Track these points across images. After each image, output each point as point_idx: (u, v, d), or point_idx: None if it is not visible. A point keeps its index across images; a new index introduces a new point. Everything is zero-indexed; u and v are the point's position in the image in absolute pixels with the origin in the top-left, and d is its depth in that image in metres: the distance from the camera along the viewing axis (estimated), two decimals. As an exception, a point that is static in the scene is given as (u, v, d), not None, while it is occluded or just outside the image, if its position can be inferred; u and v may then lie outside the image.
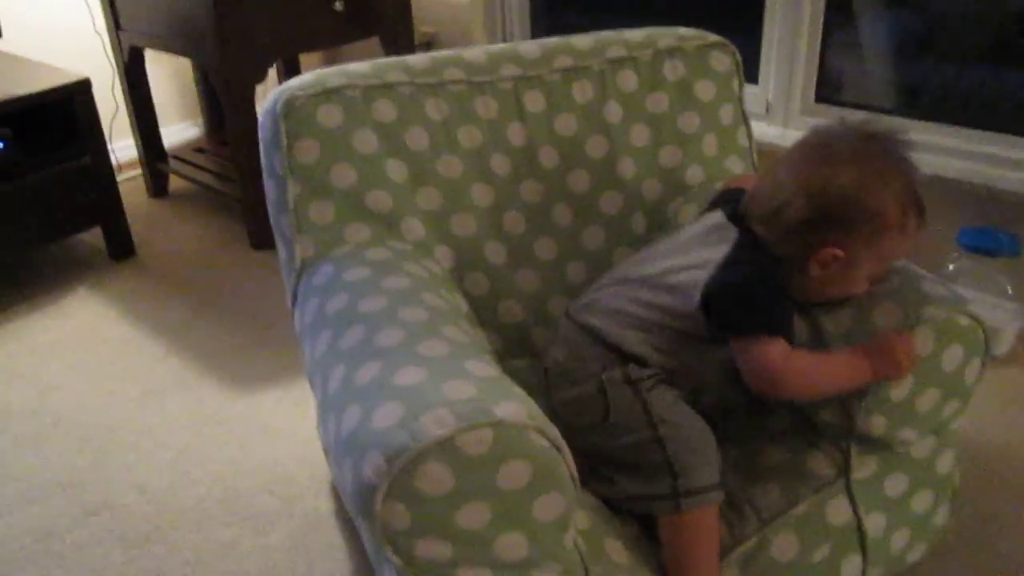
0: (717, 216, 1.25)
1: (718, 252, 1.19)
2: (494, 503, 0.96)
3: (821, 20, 2.16)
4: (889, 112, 2.14)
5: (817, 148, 1.19)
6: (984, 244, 1.90)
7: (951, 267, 1.96)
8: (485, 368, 1.06)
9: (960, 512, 1.49)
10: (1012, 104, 2.04)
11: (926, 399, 1.18)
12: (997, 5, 2.02)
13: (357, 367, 1.07)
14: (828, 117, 2.18)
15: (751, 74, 2.29)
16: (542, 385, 1.30)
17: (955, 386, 1.20)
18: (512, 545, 1.00)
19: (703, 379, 1.26)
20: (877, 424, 1.18)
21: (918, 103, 2.18)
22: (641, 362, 1.20)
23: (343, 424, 1.01)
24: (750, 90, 2.29)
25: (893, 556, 1.31)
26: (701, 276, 1.17)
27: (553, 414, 1.14)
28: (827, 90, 2.24)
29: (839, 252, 1.14)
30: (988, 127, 2.00)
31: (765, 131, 2.25)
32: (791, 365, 1.12)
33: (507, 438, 0.95)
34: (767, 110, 2.28)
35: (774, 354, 1.12)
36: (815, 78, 2.21)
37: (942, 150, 2.02)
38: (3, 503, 1.62)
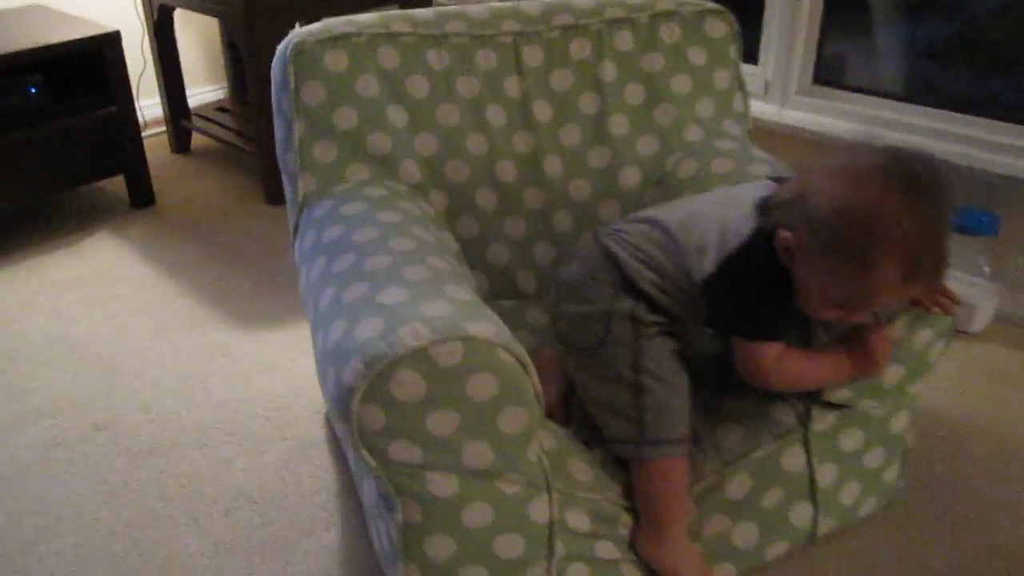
0: (761, 186, 1.23)
1: (739, 225, 1.17)
2: (462, 412, 1.06)
3: (821, 5, 2.23)
4: (881, 95, 2.21)
5: (875, 167, 1.05)
6: (964, 223, 1.96)
7: (931, 245, 2.03)
8: (463, 293, 1.16)
9: (919, 474, 1.57)
10: (991, 92, 2.11)
11: (891, 375, 1.27)
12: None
13: (345, 287, 1.17)
14: (824, 98, 2.27)
15: (752, 54, 2.36)
16: (551, 299, 1.36)
17: (919, 365, 1.29)
18: (478, 453, 1.09)
19: (695, 335, 1.32)
20: (842, 395, 1.27)
21: (909, 88, 2.25)
22: (651, 303, 1.24)
23: (329, 336, 1.11)
24: (750, 70, 2.37)
25: (844, 507, 1.39)
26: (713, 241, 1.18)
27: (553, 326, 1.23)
28: (825, 72, 2.31)
29: (790, 237, 1.09)
30: (972, 112, 2.06)
31: (763, 109, 2.32)
32: (781, 366, 1.19)
33: (476, 352, 1.05)
34: (765, 90, 2.35)
35: (768, 356, 1.18)
36: (813, 61, 2.28)
37: (928, 132, 2.09)
38: (20, 416, 1.73)
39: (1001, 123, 2.02)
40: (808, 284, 1.10)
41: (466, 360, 1.04)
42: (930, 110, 2.11)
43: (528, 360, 1.10)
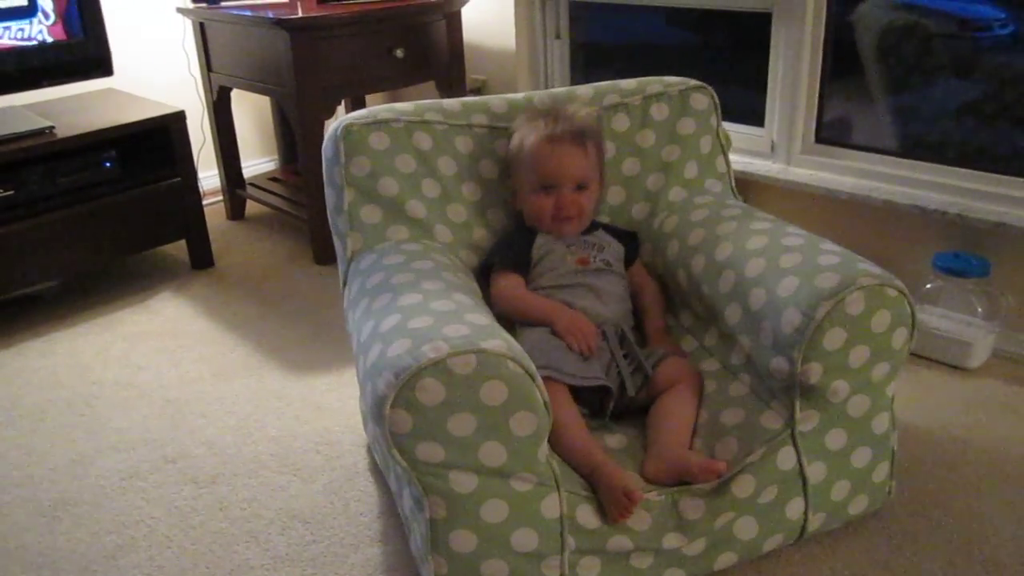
0: None
1: None
2: (478, 415, 1.26)
3: (819, 72, 2.42)
4: (880, 151, 2.38)
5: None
6: (957, 267, 2.11)
7: (928, 287, 2.18)
8: (481, 318, 1.36)
9: (912, 489, 1.71)
10: (981, 146, 2.28)
11: (856, 354, 1.41)
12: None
13: (382, 319, 1.38)
14: (827, 156, 2.45)
15: (758, 117, 2.56)
16: None
17: (883, 348, 1.43)
18: (493, 453, 1.29)
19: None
20: (814, 371, 1.40)
21: (904, 145, 2.42)
22: None
23: (368, 358, 1.32)
24: (755, 131, 2.57)
25: (835, 504, 1.53)
26: None
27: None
28: (827, 132, 2.49)
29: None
30: (963, 165, 2.23)
31: (769, 167, 2.51)
32: (503, 292, 1.68)
33: (488, 363, 1.25)
34: (771, 149, 2.54)
35: (497, 283, 1.70)
36: (815, 122, 2.47)
37: (924, 184, 2.26)
38: (98, 451, 1.94)
39: (990, 175, 2.17)
40: (519, 187, 1.76)
41: (479, 369, 1.24)
42: (924, 164, 2.28)
43: (535, 372, 1.30)
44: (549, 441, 1.38)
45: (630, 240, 1.82)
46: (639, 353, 1.63)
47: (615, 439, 1.57)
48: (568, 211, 1.72)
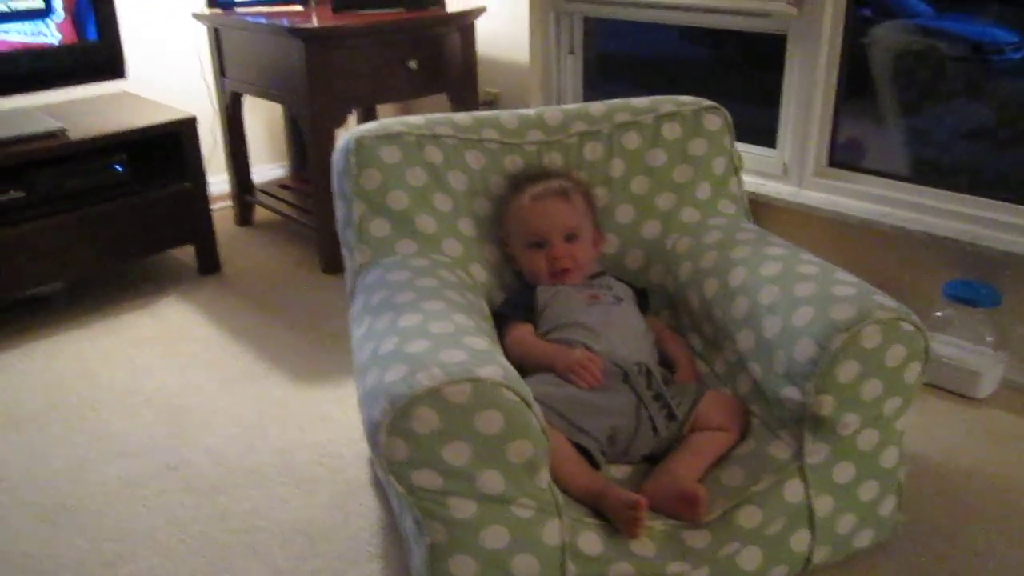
0: None
1: None
2: (474, 444, 1.25)
3: (833, 95, 2.41)
4: (891, 176, 2.37)
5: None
6: (967, 295, 2.10)
7: (938, 314, 2.17)
8: (480, 343, 1.35)
9: (918, 521, 1.69)
10: (994, 173, 2.27)
11: (869, 388, 1.39)
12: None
13: (382, 342, 1.37)
14: (839, 180, 2.44)
15: (771, 139, 2.55)
16: None
17: (896, 382, 1.41)
18: (491, 480, 1.28)
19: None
20: (825, 403, 1.39)
21: (917, 170, 2.41)
22: None
23: (366, 383, 1.31)
24: (768, 153, 2.56)
25: (840, 537, 1.52)
26: None
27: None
28: (841, 155, 2.48)
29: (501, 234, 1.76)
30: (976, 192, 2.22)
31: (781, 190, 2.50)
32: (512, 341, 1.62)
33: (483, 392, 1.24)
34: (784, 172, 2.53)
35: (506, 334, 1.64)
36: (827, 145, 2.46)
37: (936, 211, 2.25)
38: (101, 457, 1.93)
39: (1003, 203, 2.17)
40: (513, 250, 1.76)
41: (474, 398, 1.23)
42: (936, 191, 2.27)
43: (531, 399, 1.29)
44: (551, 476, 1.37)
45: (640, 293, 1.79)
46: (666, 393, 1.56)
47: (620, 470, 1.54)
48: (562, 263, 1.71)
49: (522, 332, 1.66)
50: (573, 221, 1.73)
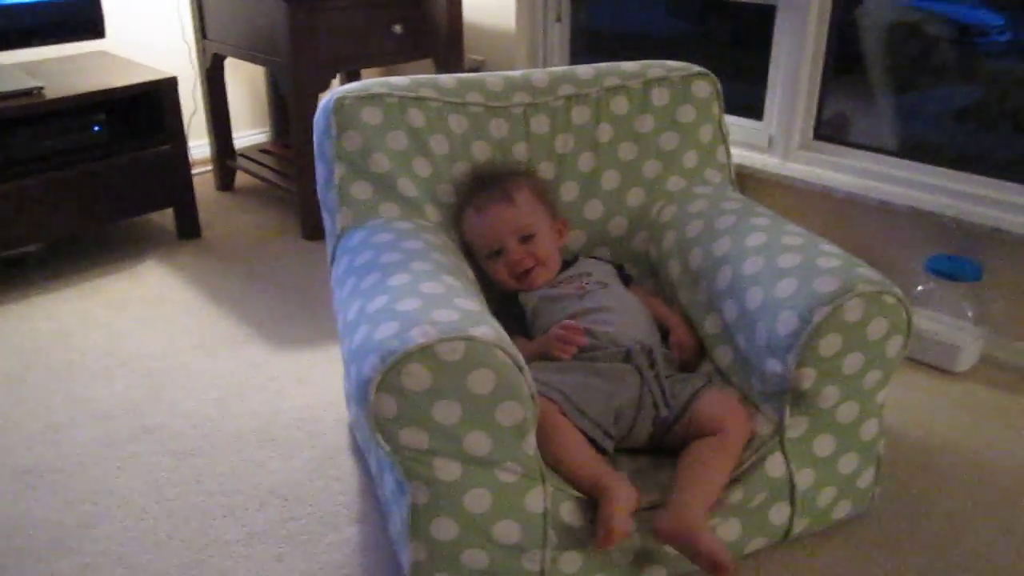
0: None
1: None
2: (464, 403, 1.23)
3: (820, 68, 2.40)
4: (877, 150, 2.37)
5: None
6: (949, 270, 2.10)
7: (919, 289, 2.18)
8: (470, 304, 1.33)
9: (895, 491, 1.70)
10: (979, 150, 2.27)
11: (850, 361, 1.38)
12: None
13: (370, 300, 1.35)
14: (824, 153, 2.43)
15: (757, 111, 2.54)
16: None
17: (877, 356, 1.40)
18: (478, 442, 1.26)
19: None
20: (807, 376, 1.37)
21: (903, 146, 2.41)
22: None
23: (355, 340, 1.29)
24: (754, 125, 2.55)
25: (819, 510, 1.53)
26: None
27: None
28: (826, 129, 2.48)
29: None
30: (961, 168, 2.22)
31: (766, 162, 2.49)
32: None
33: (476, 350, 1.22)
34: (769, 143, 2.52)
35: None
36: (813, 118, 2.45)
37: (920, 185, 2.24)
38: (76, 419, 1.91)
39: (987, 179, 2.17)
40: (479, 262, 1.71)
41: (467, 356, 1.21)
42: (921, 165, 2.27)
43: (523, 362, 1.27)
44: (548, 462, 1.35)
45: (618, 269, 1.76)
46: (665, 385, 1.50)
47: (626, 465, 1.49)
48: (522, 264, 1.67)
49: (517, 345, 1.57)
50: (519, 221, 1.67)
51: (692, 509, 1.36)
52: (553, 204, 1.77)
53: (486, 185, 1.71)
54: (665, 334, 1.66)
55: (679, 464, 1.43)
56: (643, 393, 1.49)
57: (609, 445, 1.44)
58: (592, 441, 1.42)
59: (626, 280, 1.74)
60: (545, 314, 1.63)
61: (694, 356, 1.65)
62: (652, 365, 1.51)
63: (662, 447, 1.50)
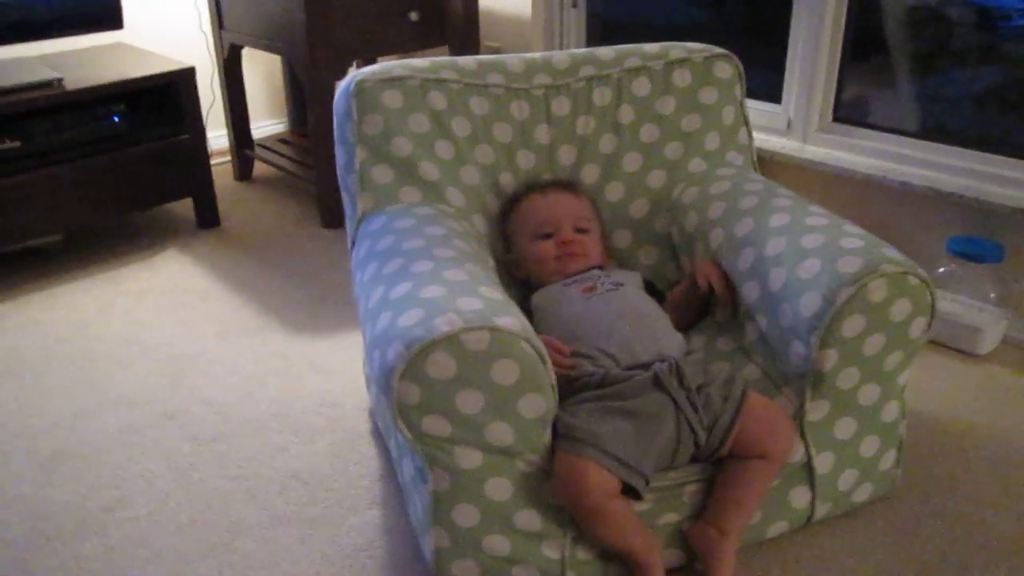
0: None
1: None
2: (487, 393, 1.22)
3: (839, 50, 2.38)
4: (897, 132, 2.34)
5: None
6: (971, 251, 2.09)
7: (941, 270, 2.16)
8: (494, 293, 1.32)
9: (917, 474, 1.69)
10: (1000, 133, 2.25)
11: (872, 342, 1.37)
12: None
13: (393, 286, 1.34)
14: (843, 136, 2.41)
15: (776, 94, 2.52)
16: None
17: (900, 337, 1.39)
18: (500, 432, 1.26)
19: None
20: (830, 357, 1.36)
21: (922, 128, 2.38)
22: None
23: (377, 326, 1.28)
24: (773, 108, 2.53)
25: (840, 494, 1.52)
26: None
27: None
28: (845, 111, 2.45)
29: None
30: (981, 149, 2.19)
31: (785, 145, 2.47)
32: None
33: (501, 341, 1.21)
34: (788, 126, 2.50)
35: None
36: (832, 100, 2.43)
37: (940, 167, 2.22)
38: (99, 406, 1.93)
39: (1008, 159, 2.14)
40: (519, 249, 1.70)
41: (492, 347, 1.20)
42: (941, 146, 2.25)
43: (546, 354, 1.27)
44: (576, 519, 1.33)
45: (647, 284, 1.67)
46: (699, 403, 1.38)
47: (665, 477, 1.42)
48: (572, 247, 1.64)
49: None
50: (581, 212, 1.68)
51: (728, 537, 1.38)
52: (604, 227, 1.76)
53: (549, 181, 1.74)
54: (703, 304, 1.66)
55: (719, 482, 1.40)
56: (680, 424, 1.37)
57: (645, 490, 1.35)
58: (630, 488, 1.33)
59: (655, 294, 1.66)
60: (551, 308, 1.57)
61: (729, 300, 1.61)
62: (681, 382, 1.39)
63: None
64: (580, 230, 1.67)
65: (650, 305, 1.57)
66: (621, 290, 1.56)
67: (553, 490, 1.31)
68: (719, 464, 1.41)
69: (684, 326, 1.65)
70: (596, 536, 1.34)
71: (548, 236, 1.66)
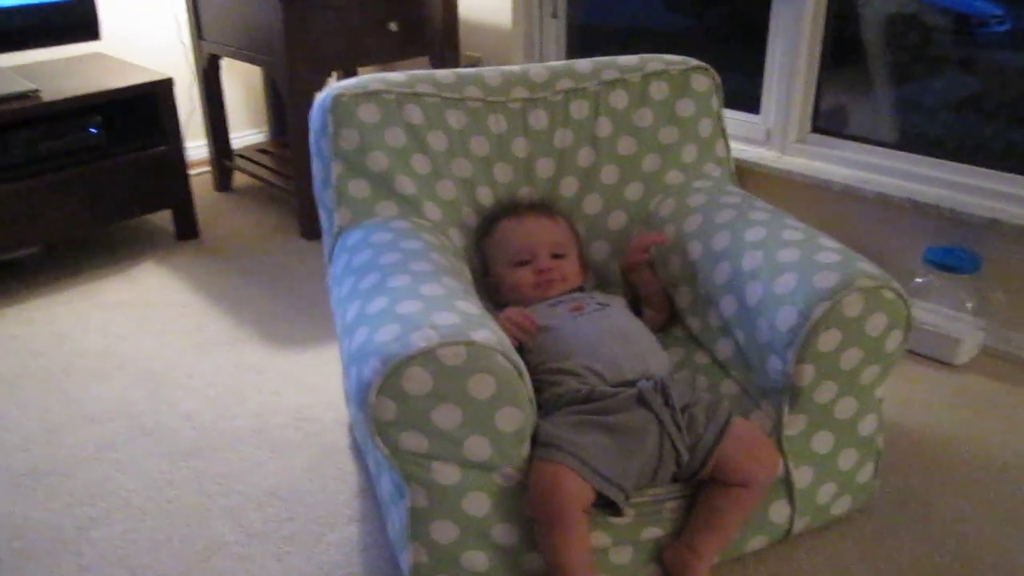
0: None
1: None
2: (464, 408, 1.22)
3: (817, 60, 2.39)
4: (874, 143, 2.36)
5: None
6: (948, 262, 2.10)
7: (918, 280, 2.17)
8: (471, 307, 1.32)
9: (895, 485, 1.70)
10: (977, 141, 2.26)
11: (848, 356, 1.37)
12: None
13: (369, 301, 1.34)
14: (821, 146, 2.43)
15: (754, 104, 2.53)
16: None
17: (876, 351, 1.39)
18: (477, 447, 1.26)
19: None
20: (807, 372, 1.36)
21: (900, 138, 2.40)
22: None
23: (354, 341, 1.28)
24: (751, 118, 2.54)
25: (819, 507, 1.52)
26: None
27: None
28: (823, 122, 2.47)
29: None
30: (959, 159, 2.21)
31: (763, 155, 2.48)
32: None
33: (477, 355, 1.21)
34: (767, 137, 2.51)
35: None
36: (810, 111, 2.44)
37: (918, 177, 2.24)
38: (74, 421, 1.91)
39: (985, 170, 2.16)
40: (496, 275, 1.68)
41: (468, 361, 1.20)
42: (918, 157, 2.26)
43: (523, 368, 1.27)
44: (542, 536, 1.31)
45: (633, 302, 1.69)
46: (682, 423, 1.38)
47: (645, 493, 1.41)
48: (549, 275, 1.63)
49: None
50: (558, 237, 1.68)
51: (701, 559, 1.38)
52: (581, 248, 1.76)
53: (525, 205, 1.73)
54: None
55: (698, 504, 1.40)
56: (662, 441, 1.36)
57: (625, 504, 1.35)
58: (609, 504, 1.33)
59: (639, 314, 1.66)
60: (537, 334, 1.50)
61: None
62: (667, 401, 1.38)
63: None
64: (557, 255, 1.66)
65: (636, 325, 1.57)
66: (607, 310, 1.57)
67: (528, 499, 1.31)
68: (701, 484, 1.41)
69: (658, 324, 1.68)
70: (551, 548, 1.30)
71: (525, 263, 1.65)
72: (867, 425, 1.51)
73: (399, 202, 1.65)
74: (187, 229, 2.83)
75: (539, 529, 1.31)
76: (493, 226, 1.70)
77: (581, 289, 1.68)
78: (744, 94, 2.54)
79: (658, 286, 1.69)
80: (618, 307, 1.61)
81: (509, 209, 1.72)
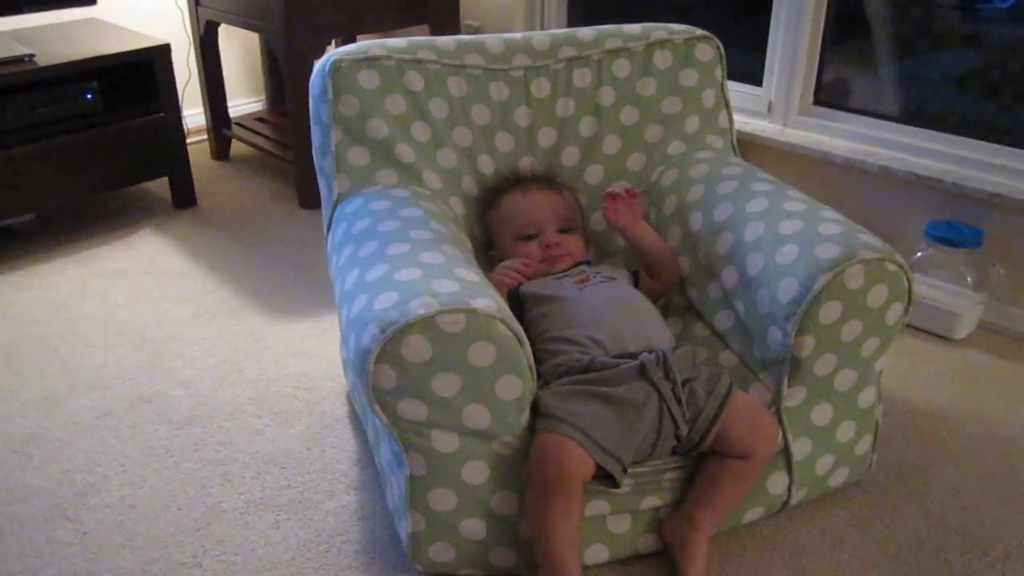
0: None
1: None
2: (464, 375, 1.22)
3: (820, 33, 2.37)
4: (876, 116, 2.34)
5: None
6: (949, 236, 2.09)
7: (919, 254, 2.16)
8: (470, 275, 1.31)
9: (893, 458, 1.70)
10: (980, 116, 2.25)
11: (849, 328, 1.37)
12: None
13: (368, 269, 1.33)
14: (824, 119, 2.41)
15: (757, 76, 2.51)
16: None
17: (877, 323, 1.38)
18: (477, 415, 1.25)
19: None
20: (807, 344, 1.36)
21: (903, 112, 2.38)
22: None
23: (353, 309, 1.27)
24: (754, 91, 2.52)
25: (817, 478, 1.52)
26: None
27: None
28: (826, 95, 2.45)
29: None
30: (961, 134, 2.19)
31: (766, 128, 2.47)
32: None
33: (478, 323, 1.21)
34: (769, 109, 2.49)
35: None
36: (813, 84, 2.42)
37: (920, 151, 2.22)
38: (73, 388, 1.90)
39: (987, 144, 2.14)
40: (501, 249, 1.67)
41: (468, 329, 1.20)
42: (921, 131, 2.25)
43: (524, 336, 1.26)
44: (534, 509, 1.30)
45: (633, 272, 1.67)
46: (683, 396, 1.37)
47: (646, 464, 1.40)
48: (556, 249, 1.62)
49: None
50: (564, 212, 1.66)
51: (700, 531, 1.39)
52: (587, 224, 1.75)
53: (530, 178, 1.71)
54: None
55: (698, 476, 1.40)
56: (663, 415, 1.35)
57: (622, 477, 1.34)
58: (608, 477, 1.33)
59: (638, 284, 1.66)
60: (541, 304, 1.51)
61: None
62: (668, 374, 1.37)
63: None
64: (563, 230, 1.65)
65: (640, 298, 1.56)
66: (613, 283, 1.56)
67: (527, 467, 1.31)
68: (701, 456, 1.41)
69: (657, 291, 1.66)
70: (542, 516, 1.29)
71: (531, 237, 1.64)
72: (866, 397, 1.51)
73: (399, 170, 1.64)
74: (185, 197, 2.81)
75: (533, 498, 1.31)
76: (498, 198, 1.69)
77: (588, 263, 1.67)
78: (747, 66, 2.51)
79: (657, 244, 1.64)
80: (623, 280, 1.60)
81: (514, 182, 1.71)
